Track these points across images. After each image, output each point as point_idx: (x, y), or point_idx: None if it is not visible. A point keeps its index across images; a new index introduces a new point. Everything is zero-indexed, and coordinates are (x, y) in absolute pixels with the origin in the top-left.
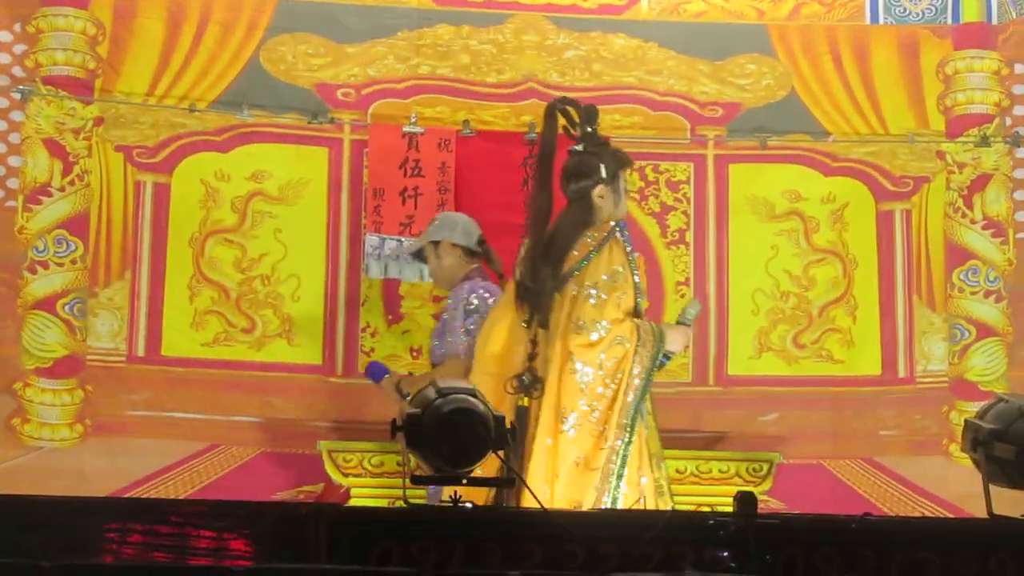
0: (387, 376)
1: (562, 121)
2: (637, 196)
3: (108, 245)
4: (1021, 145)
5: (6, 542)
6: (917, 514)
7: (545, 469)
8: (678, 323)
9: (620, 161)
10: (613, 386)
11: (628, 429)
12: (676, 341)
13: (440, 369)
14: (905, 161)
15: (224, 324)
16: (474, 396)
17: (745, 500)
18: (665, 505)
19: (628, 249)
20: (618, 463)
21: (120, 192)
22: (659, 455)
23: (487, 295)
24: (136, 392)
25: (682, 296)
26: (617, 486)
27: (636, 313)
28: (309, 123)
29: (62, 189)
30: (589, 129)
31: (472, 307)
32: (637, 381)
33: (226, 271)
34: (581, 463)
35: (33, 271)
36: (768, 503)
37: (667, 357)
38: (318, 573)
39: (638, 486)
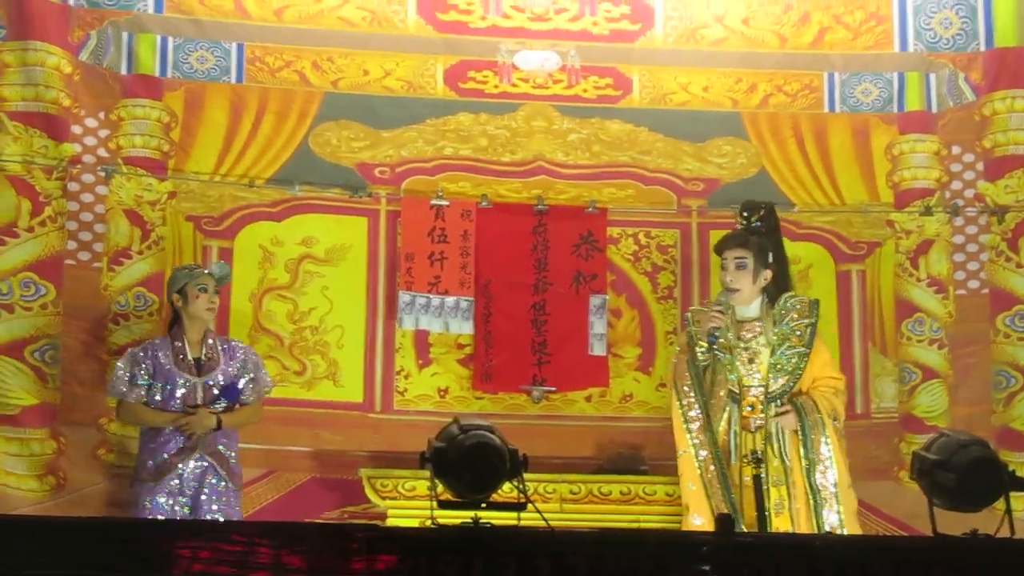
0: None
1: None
2: (632, 258)
3: None
4: (958, 215)
5: (85, 559)
6: (872, 532)
7: None
8: None
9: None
10: None
11: None
12: None
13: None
14: (860, 228)
15: (279, 367)
16: (491, 432)
17: (724, 521)
18: None
19: None
20: None
21: (190, 255)
22: None
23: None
24: None
25: (671, 343)
26: None
27: None
28: (351, 197)
29: (140, 252)
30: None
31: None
32: None
33: (281, 322)
34: None
35: (116, 323)
36: None
37: None
38: None
39: None
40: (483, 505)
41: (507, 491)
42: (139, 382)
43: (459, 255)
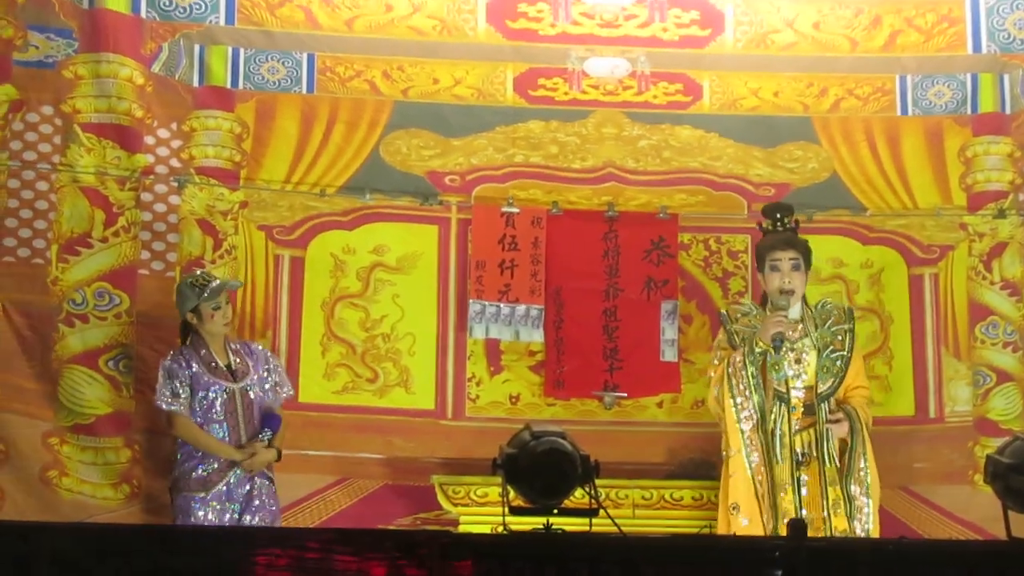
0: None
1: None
2: (703, 263)
3: (252, 308)
4: None
5: (165, 567)
6: (946, 536)
7: None
8: None
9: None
10: None
11: None
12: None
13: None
14: (932, 232)
15: (352, 375)
16: (563, 438)
17: (796, 525)
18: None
19: None
20: None
21: (262, 264)
22: None
23: None
24: None
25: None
26: None
27: None
28: (421, 205)
29: (213, 262)
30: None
31: None
32: None
33: (353, 330)
34: None
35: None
36: None
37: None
38: None
39: None
40: (555, 511)
41: (579, 497)
42: (180, 393)
43: (529, 262)
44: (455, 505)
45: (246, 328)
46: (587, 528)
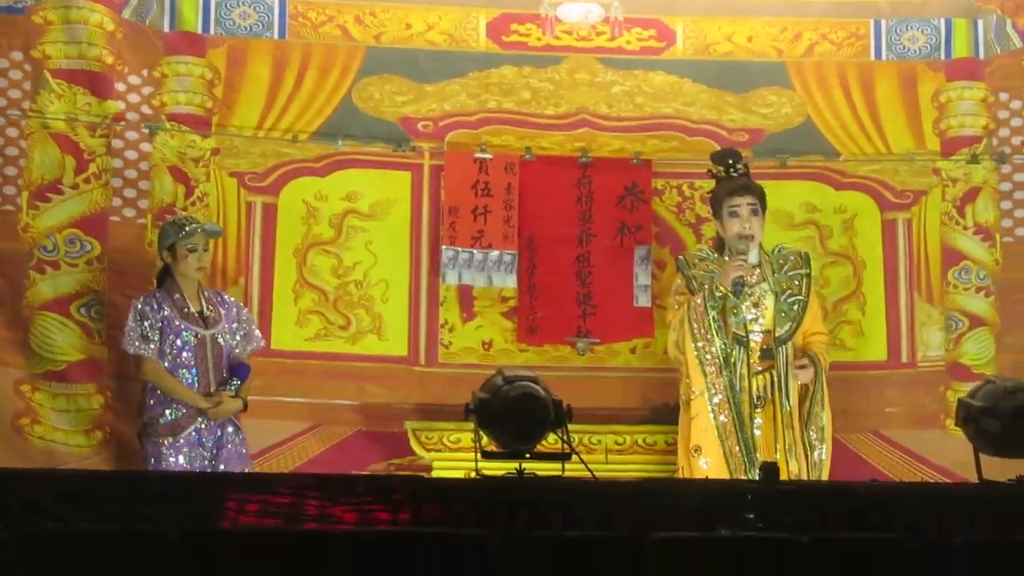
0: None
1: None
2: (676, 209)
3: (224, 256)
4: (1006, 162)
5: (136, 513)
6: (918, 479)
7: None
8: None
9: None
10: None
11: None
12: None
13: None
14: (906, 177)
15: (324, 322)
16: (536, 383)
17: (769, 469)
18: None
19: None
20: None
21: (234, 211)
22: None
23: None
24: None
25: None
26: None
27: None
28: (394, 151)
29: (185, 209)
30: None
31: None
32: None
33: (325, 277)
34: None
35: None
36: None
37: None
38: (406, 535)
39: None
40: (527, 456)
41: (552, 442)
42: (150, 336)
43: (502, 208)
44: (428, 451)
45: (218, 276)
46: (560, 473)
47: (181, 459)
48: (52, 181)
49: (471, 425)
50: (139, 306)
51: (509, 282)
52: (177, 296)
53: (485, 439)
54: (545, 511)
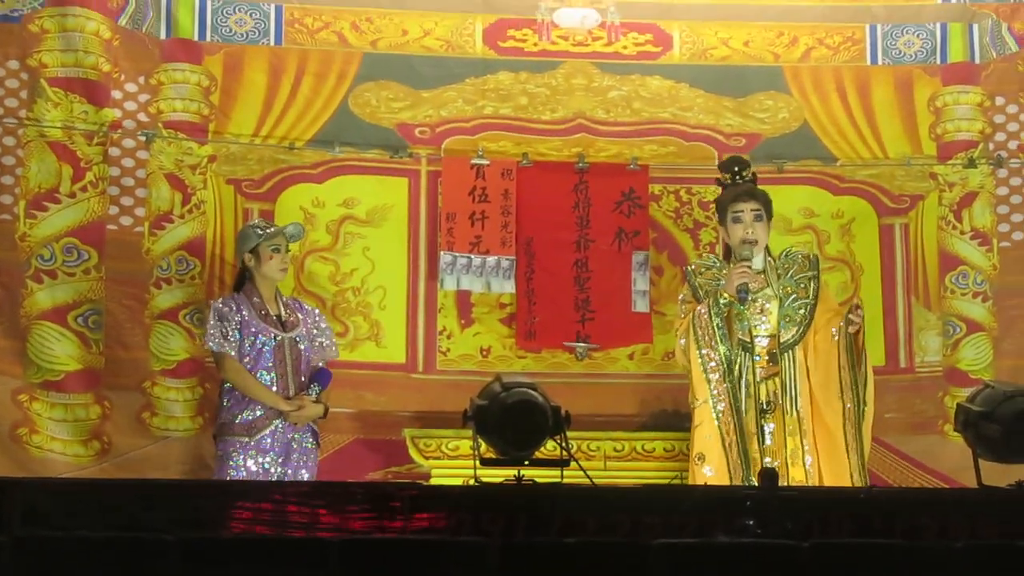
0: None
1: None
2: (673, 214)
3: (221, 263)
4: (1002, 166)
5: (134, 519)
6: (917, 485)
7: None
8: None
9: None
10: None
11: None
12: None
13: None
14: (903, 182)
15: None
16: (534, 389)
17: (768, 475)
18: None
19: None
20: None
21: (231, 218)
22: None
23: None
24: None
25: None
26: None
27: None
28: (391, 157)
29: (182, 216)
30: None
31: None
32: None
33: (323, 284)
34: None
35: (158, 287)
36: None
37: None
38: (405, 543)
39: None
40: (526, 463)
41: (550, 449)
42: (231, 337)
43: (500, 214)
44: (426, 458)
45: (215, 283)
46: (559, 480)
47: (250, 462)
48: (49, 190)
49: (469, 432)
50: (219, 306)
51: (507, 288)
52: (256, 299)
53: (484, 446)
54: (544, 518)
